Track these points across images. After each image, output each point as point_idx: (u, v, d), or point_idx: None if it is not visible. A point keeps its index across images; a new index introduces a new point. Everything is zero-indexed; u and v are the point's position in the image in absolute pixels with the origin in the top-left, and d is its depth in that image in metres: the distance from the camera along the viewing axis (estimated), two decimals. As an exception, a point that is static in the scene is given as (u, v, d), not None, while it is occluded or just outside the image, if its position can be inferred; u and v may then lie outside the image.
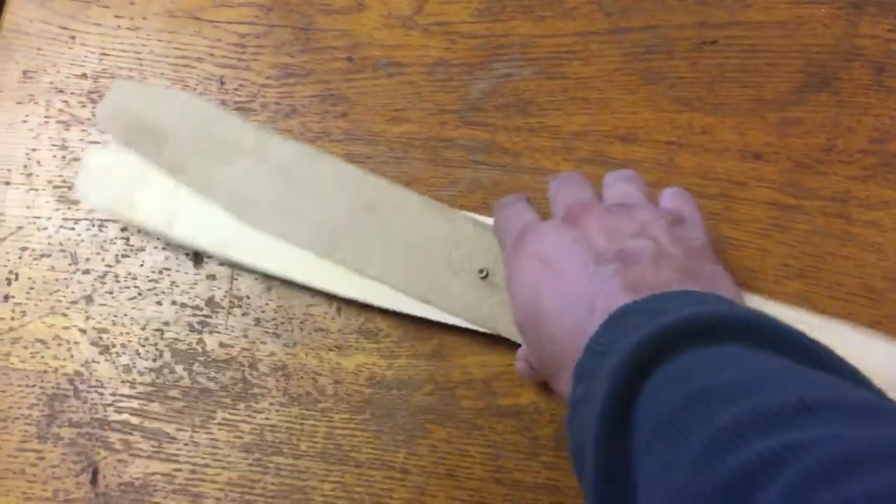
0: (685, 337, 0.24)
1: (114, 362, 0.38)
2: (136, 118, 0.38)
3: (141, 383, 0.38)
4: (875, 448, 0.18)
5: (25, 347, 0.38)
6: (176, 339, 0.38)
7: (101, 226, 0.39)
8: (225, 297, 0.39)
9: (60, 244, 0.39)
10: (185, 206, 0.37)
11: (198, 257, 0.39)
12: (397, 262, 0.37)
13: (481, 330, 0.36)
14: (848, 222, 0.39)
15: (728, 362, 0.23)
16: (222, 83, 0.41)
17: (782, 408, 0.20)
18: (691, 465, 0.20)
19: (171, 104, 0.38)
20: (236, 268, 0.39)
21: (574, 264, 0.29)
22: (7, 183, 0.40)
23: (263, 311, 0.38)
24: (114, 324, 0.39)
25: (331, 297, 0.38)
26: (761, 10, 0.41)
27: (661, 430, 0.22)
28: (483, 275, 0.36)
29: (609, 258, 0.29)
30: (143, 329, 0.39)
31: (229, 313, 0.39)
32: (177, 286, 0.39)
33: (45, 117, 0.41)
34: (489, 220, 0.37)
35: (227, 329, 0.38)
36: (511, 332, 0.36)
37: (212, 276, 0.39)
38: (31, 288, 0.39)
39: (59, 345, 0.38)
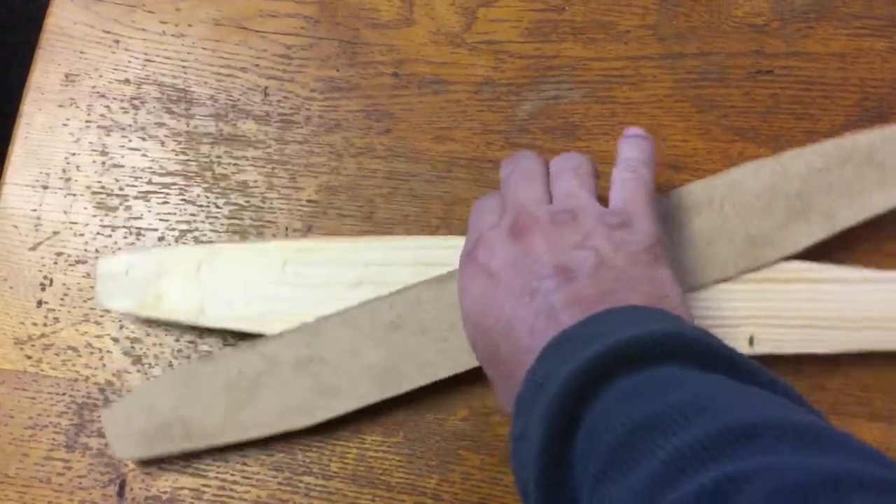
0: (618, 363, 0.24)
1: (146, 373, 0.38)
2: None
3: (172, 396, 0.37)
4: (820, 478, 0.18)
5: (57, 354, 0.38)
6: (209, 352, 0.38)
7: (138, 234, 0.39)
8: (260, 311, 0.38)
9: (97, 251, 0.39)
10: (212, 292, 0.37)
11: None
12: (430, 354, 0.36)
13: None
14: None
15: (664, 387, 0.23)
16: (266, 94, 0.40)
17: (723, 436, 0.20)
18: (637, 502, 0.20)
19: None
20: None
21: (518, 283, 0.30)
22: (45, 187, 0.40)
23: (299, 328, 0.38)
24: (147, 334, 0.38)
25: (368, 317, 0.37)
26: (819, 41, 0.40)
27: (603, 468, 0.22)
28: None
29: (550, 274, 0.29)
30: (177, 341, 0.38)
31: (264, 328, 0.38)
32: (212, 298, 0.38)
33: (86, 122, 0.40)
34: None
35: (263, 343, 0.38)
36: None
37: (248, 290, 0.38)
38: (66, 294, 0.39)
39: (91, 353, 0.38)
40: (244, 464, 0.37)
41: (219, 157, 0.40)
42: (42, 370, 0.38)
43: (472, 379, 0.36)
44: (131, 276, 0.37)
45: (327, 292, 0.37)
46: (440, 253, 0.37)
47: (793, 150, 0.36)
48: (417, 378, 0.36)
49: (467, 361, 0.35)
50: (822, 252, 0.35)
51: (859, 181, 0.35)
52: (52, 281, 0.39)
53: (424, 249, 0.37)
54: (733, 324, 0.34)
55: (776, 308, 0.34)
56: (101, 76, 0.41)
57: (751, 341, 0.34)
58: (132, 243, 0.39)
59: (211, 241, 0.39)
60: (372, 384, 0.36)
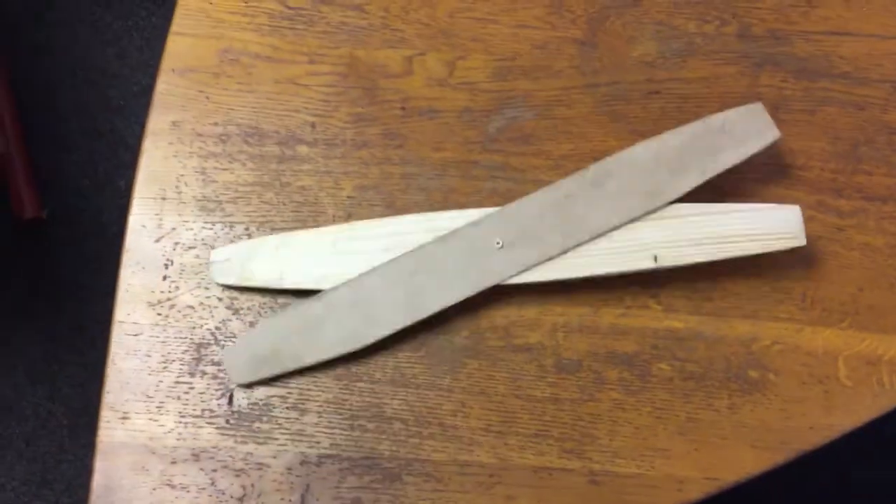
0: None
1: (242, 320, 0.54)
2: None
3: (261, 334, 0.54)
4: None
5: (179, 311, 0.54)
6: (286, 304, 0.54)
7: (231, 226, 0.56)
8: (319, 273, 0.55)
9: (202, 239, 0.56)
10: (286, 264, 0.54)
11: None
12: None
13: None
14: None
15: None
16: (314, 127, 0.58)
17: None
18: None
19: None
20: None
21: None
22: (163, 199, 0.57)
23: (347, 283, 0.55)
24: (241, 293, 0.55)
25: (395, 271, 0.54)
26: (691, 70, 0.59)
27: None
28: (499, 245, 0.53)
29: None
30: (263, 296, 0.54)
31: (323, 284, 0.55)
32: (285, 267, 0.55)
33: (189, 153, 0.57)
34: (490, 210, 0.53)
35: (321, 296, 0.54)
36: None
37: (310, 260, 0.55)
38: (183, 270, 0.55)
39: (203, 308, 0.54)
40: (314, 377, 0.53)
41: (283, 171, 0.57)
42: (169, 322, 0.54)
43: (471, 307, 0.53)
44: (232, 260, 0.54)
45: (364, 258, 0.54)
46: (441, 223, 0.54)
47: (670, 129, 0.54)
48: (433, 307, 0.52)
49: (466, 293, 0.52)
50: (700, 195, 0.53)
51: (718, 144, 0.53)
52: (172, 262, 0.55)
53: (430, 221, 0.54)
54: (642, 248, 0.52)
55: (672, 235, 0.52)
56: (197, 122, 0.58)
57: (655, 259, 0.51)
58: (227, 233, 0.56)
59: (282, 230, 0.56)
60: (400, 314, 0.53)
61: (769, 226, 0.52)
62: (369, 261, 0.54)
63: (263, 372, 0.52)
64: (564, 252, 0.52)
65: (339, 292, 0.53)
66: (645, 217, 0.52)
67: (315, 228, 0.55)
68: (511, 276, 0.52)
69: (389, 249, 0.54)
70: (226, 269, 0.54)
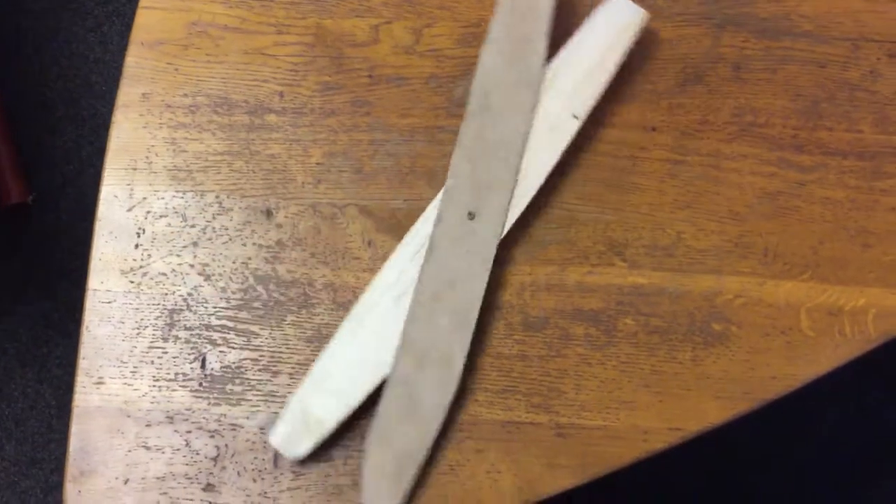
0: None
1: (214, 286, 0.55)
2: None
3: (233, 299, 0.55)
4: None
5: (152, 278, 0.55)
6: (257, 269, 0.55)
7: (202, 194, 0.57)
8: (289, 238, 0.56)
9: (174, 208, 0.57)
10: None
11: (269, 213, 0.56)
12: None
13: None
14: (718, 170, 0.56)
15: None
16: (282, 96, 0.59)
17: None
18: None
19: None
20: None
21: None
22: (134, 169, 0.57)
23: (316, 247, 0.55)
24: (213, 260, 0.55)
25: (363, 235, 0.55)
26: (653, 32, 0.59)
27: None
28: (471, 217, 0.53)
29: None
30: (234, 263, 0.55)
31: (292, 249, 0.55)
32: (255, 233, 0.56)
33: (159, 124, 0.58)
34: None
35: (291, 260, 0.55)
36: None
37: (279, 225, 0.56)
38: (154, 239, 0.56)
39: (175, 275, 0.55)
40: (286, 340, 0.54)
41: (252, 140, 0.58)
42: (141, 289, 0.55)
43: (436, 265, 0.54)
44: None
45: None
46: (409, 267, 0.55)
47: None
48: (472, 319, 0.53)
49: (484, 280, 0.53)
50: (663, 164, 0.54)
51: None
52: (144, 230, 0.56)
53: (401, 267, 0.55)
54: (556, 123, 0.53)
55: (559, 93, 0.53)
56: (167, 93, 0.59)
57: (575, 117, 0.52)
58: (198, 201, 0.57)
59: (252, 197, 0.57)
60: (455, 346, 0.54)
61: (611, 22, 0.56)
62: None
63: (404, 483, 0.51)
64: (517, 178, 0.54)
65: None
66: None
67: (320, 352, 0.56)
68: (499, 235, 0.53)
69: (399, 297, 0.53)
70: (293, 440, 0.52)
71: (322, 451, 0.52)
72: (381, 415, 0.51)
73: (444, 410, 0.51)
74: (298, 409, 0.51)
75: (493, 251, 0.53)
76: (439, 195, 0.54)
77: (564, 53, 0.56)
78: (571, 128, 0.54)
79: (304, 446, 0.51)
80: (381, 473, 0.50)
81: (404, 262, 0.53)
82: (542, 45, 0.55)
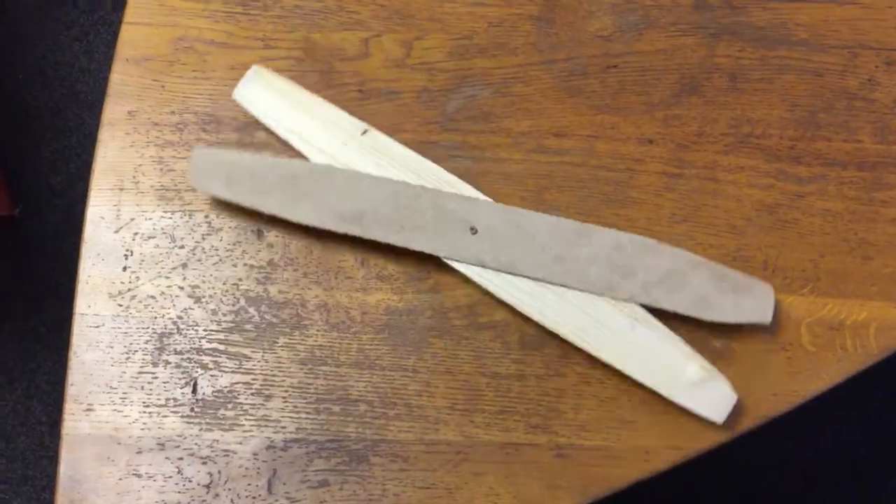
0: None
1: (204, 308, 0.54)
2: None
3: (224, 321, 0.54)
4: None
5: (140, 301, 0.54)
6: (248, 290, 0.54)
7: (191, 214, 0.56)
8: (281, 258, 0.55)
9: (162, 229, 0.55)
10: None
11: (260, 232, 0.55)
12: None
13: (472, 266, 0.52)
14: (715, 182, 0.56)
15: None
16: (271, 112, 0.58)
17: None
18: None
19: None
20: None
21: None
22: (121, 189, 0.56)
23: (308, 267, 0.54)
24: (203, 282, 0.54)
25: (356, 254, 0.54)
26: (647, 42, 0.59)
27: None
28: (474, 231, 0.52)
29: None
30: (224, 284, 0.54)
31: (284, 269, 0.54)
32: (246, 253, 0.55)
33: (146, 142, 0.57)
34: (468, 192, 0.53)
35: (283, 281, 0.54)
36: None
37: (270, 245, 0.55)
38: (143, 260, 0.55)
39: (165, 298, 0.54)
40: (279, 362, 0.53)
41: (242, 158, 0.57)
42: (130, 313, 0.54)
43: (434, 288, 0.53)
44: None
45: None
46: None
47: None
48: (417, 246, 0.52)
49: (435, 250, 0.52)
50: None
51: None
52: (132, 252, 0.55)
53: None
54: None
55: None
56: (153, 111, 0.58)
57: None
58: (186, 221, 0.55)
59: (242, 218, 0.55)
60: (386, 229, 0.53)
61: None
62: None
63: (221, 190, 0.54)
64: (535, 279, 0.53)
65: (334, 172, 0.54)
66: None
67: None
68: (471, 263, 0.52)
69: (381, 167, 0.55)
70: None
71: (317, 477, 0.51)
72: (284, 165, 0.54)
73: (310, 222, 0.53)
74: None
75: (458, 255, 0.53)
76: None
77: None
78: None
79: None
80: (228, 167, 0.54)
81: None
82: (672, 306, 0.52)
